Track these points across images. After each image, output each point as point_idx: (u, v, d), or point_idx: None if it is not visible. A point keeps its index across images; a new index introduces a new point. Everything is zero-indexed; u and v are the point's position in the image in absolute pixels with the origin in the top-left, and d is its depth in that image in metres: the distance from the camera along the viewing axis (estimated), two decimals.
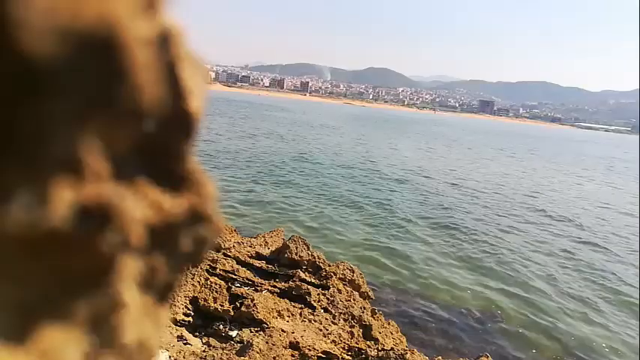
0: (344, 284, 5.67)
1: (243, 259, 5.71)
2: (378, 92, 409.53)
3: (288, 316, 4.85)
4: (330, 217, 12.51)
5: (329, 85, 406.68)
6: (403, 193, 17.09)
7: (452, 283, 8.95)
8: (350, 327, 4.93)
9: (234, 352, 3.98)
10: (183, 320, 4.66)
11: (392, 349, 4.39)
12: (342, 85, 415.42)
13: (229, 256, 5.64)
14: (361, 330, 4.92)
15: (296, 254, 5.88)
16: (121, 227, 0.24)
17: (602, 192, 23.85)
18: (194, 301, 4.83)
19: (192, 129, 0.27)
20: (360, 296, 5.69)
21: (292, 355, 4.25)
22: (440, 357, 4.65)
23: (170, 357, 3.84)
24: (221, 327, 4.63)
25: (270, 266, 5.78)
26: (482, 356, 4.77)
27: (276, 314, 4.79)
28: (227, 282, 5.19)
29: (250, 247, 6.11)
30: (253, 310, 4.63)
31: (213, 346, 4.28)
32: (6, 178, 0.20)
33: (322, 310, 5.09)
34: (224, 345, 4.25)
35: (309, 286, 5.32)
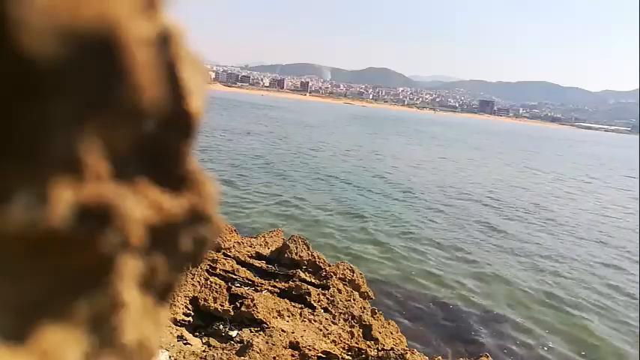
0: (344, 284, 5.66)
1: (243, 259, 5.71)
2: (378, 92, 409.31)
3: (288, 316, 4.85)
4: (328, 214, 12.52)
5: (329, 85, 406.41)
6: (405, 193, 17.09)
7: (452, 284, 8.95)
8: (350, 327, 4.93)
9: (234, 352, 3.98)
10: (183, 320, 4.66)
11: (392, 349, 4.39)
12: (342, 85, 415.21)
13: (229, 256, 5.64)
14: (361, 330, 4.92)
15: (296, 254, 5.88)
16: (121, 227, 0.24)
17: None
18: (194, 301, 4.83)
19: (193, 129, 0.27)
20: (360, 296, 5.69)
21: (292, 355, 4.25)
22: (440, 357, 4.65)
23: (170, 357, 3.84)
24: (221, 327, 4.63)
25: (270, 266, 5.78)
26: (482, 356, 4.77)
27: (276, 314, 4.79)
28: (227, 282, 5.19)
29: (250, 247, 6.12)
30: (253, 310, 4.63)
31: (213, 346, 4.28)
32: (6, 178, 0.20)
33: (322, 310, 5.09)
34: (224, 345, 4.25)
35: (309, 286, 5.32)
